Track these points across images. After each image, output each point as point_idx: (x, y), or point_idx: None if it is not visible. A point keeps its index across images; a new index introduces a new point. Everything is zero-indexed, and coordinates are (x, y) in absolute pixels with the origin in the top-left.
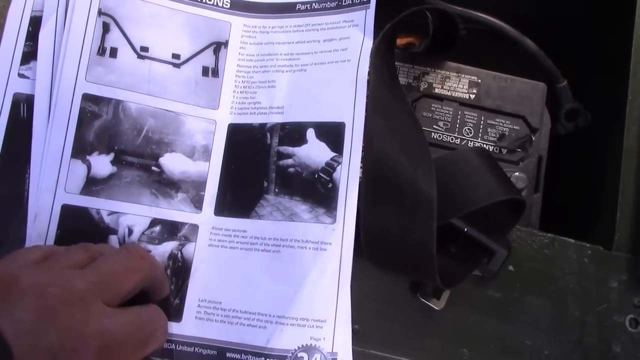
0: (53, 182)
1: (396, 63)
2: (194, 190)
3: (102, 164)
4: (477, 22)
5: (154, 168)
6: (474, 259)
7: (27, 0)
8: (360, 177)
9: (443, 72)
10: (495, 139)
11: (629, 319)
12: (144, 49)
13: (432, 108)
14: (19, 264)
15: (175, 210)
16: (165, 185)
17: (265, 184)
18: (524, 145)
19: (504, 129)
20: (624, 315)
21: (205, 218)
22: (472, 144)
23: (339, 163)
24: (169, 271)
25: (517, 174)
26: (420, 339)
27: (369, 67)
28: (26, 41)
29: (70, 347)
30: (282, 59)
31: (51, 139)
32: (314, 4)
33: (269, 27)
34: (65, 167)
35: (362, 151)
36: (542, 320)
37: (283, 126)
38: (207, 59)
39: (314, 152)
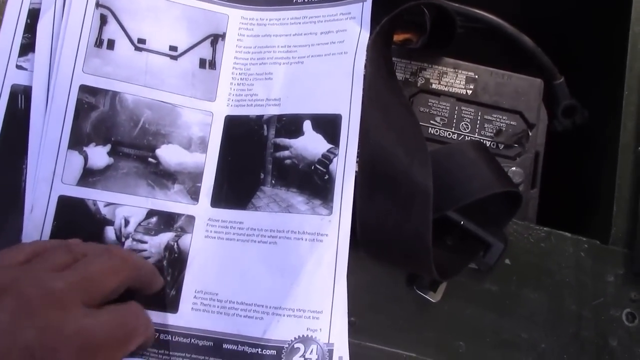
0: (50, 173)
1: (393, 59)
2: (190, 181)
3: (99, 155)
4: (475, 19)
5: (150, 159)
6: (471, 252)
7: None
8: (356, 169)
9: (440, 67)
10: (492, 134)
11: (625, 313)
12: (141, 41)
13: (429, 103)
14: (0, 265)
15: (172, 202)
16: (162, 176)
17: (262, 176)
18: (521, 141)
19: (501, 125)
20: (620, 309)
21: (202, 209)
22: (469, 139)
23: (336, 155)
24: (165, 262)
25: (514, 169)
26: (417, 331)
27: (366, 60)
28: (24, 33)
29: (50, 346)
30: (279, 51)
31: (48, 130)
32: None
33: (266, 19)
34: (62, 158)
35: (359, 143)
36: (539, 314)
37: (280, 118)
38: (205, 51)
39: (311, 144)
